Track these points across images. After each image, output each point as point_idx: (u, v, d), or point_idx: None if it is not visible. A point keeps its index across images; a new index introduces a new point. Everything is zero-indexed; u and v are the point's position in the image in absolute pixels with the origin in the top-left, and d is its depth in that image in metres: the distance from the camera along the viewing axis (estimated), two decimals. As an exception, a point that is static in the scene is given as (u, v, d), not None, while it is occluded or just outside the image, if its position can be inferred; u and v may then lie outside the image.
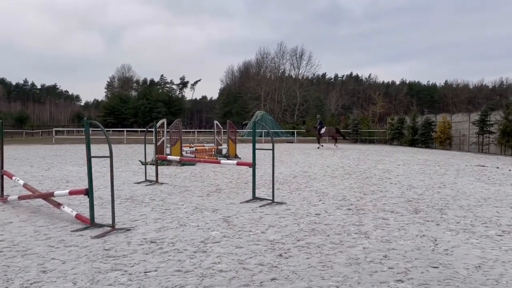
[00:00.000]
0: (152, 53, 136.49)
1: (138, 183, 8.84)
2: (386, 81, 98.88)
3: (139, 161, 13.92)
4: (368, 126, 35.55)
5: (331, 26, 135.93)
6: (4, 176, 6.91)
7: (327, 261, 3.81)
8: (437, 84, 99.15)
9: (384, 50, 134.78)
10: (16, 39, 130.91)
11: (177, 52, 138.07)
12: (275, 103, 63.89)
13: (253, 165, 6.76)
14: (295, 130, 38.00)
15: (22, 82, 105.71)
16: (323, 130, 25.05)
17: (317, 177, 10.14)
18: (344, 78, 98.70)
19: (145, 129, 11.10)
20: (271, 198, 6.73)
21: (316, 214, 5.80)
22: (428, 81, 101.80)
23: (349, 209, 6.21)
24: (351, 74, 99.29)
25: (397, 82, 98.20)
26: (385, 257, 3.95)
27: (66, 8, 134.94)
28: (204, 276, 3.39)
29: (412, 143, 27.98)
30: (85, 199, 6.53)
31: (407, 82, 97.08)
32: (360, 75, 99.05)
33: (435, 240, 4.56)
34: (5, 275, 3.38)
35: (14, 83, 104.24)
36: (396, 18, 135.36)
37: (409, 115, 30.83)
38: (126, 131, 34.40)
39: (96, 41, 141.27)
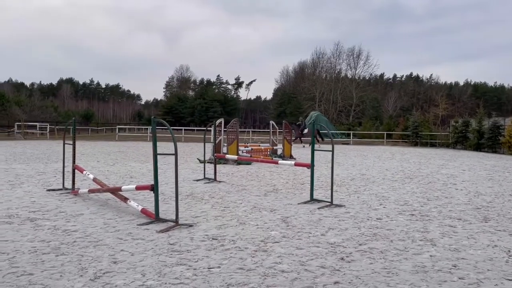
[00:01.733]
0: (208, 53, 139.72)
1: (197, 180, 9.08)
2: (449, 82, 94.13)
3: (197, 159, 14.29)
4: (429, 129, 34.02)
5: (391, 25, 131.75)
6: (75, 170, 7.38)
7: (392, 267, 3.69)
8: (506, 85, 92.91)
9: (447, 49, 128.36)
10: (84, 41, 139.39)
11: (233, 52, 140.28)
12: (330, 104, 63.01)
13: (311, 166, 6.70)
14: (351, 132, 37.21)
15: (88, 81, 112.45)
16: (305, 131, 25.58)
17: (376, 180, 9.85)
18: (403, 79, 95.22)
19: (202, 128, 11.36)
20: (329, 200, 6.63)
21: (377, 219, 5.63)
22: (495, 82, 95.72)
23: (412, 214, 5.97)
24: (411, 74, 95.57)
25: (461, 83, 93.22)
26: (454, 266, 3.75)
27: (129, 10, 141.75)
28: (266, 275, 3.41)
29: (478, 148, 26.40)
30: (148, 194, 6.82)
31: (472, 83, 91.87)
32: (420, 75, 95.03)
33: (509, 251, 4.27)
34: (80, 263, 3.60)
35: (81, 83, 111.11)
36: (462, 15, 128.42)
37: (474, 117, 29.12)
38: (184, 129, 35.46)
39: (156, 42, 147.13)
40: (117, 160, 13.99)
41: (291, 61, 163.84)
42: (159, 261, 3.69)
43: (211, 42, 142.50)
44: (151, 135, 33.31)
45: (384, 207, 6.46)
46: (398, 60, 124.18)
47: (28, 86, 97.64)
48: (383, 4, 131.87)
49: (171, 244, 4.21)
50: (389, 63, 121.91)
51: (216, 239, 4.43)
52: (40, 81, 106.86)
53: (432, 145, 31.67)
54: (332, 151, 6.68)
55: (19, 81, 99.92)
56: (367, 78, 70.11)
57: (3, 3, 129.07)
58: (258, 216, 5.64)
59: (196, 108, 78.57)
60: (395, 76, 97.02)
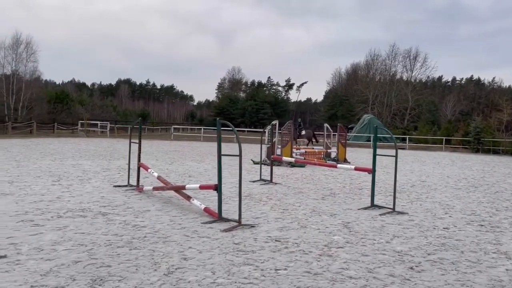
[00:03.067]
0: (260, 55, 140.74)
1: (253, 181, 9.17)
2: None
3: (251, 160, 14.43)
4: (492, 135, 32.13)
5: (451, 26, 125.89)
6: (140, 168, 7.71)
7: (466, 279, 3.53)
8: None
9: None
10: (141, 43, 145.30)
11: (284, 54, 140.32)
12: (384, 107, 61.26)
13: (373, 171, 6.56)
14: (406, 136, 35.95)
15: (144, 82, 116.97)
16: (303, 132, 24.75)
17: (438, 187, 9.46)
18: (463, 82, 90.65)
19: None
20: (390, 206, 6.45)
21: (444, 228, 5.41)
22: None
23: (481, 225, 5.68)
24: (471, 77, 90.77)
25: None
26: (535, 283, 3.52)
27: (184, 13, 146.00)
28: (334, 280, 3.38)
29: (547, 156, 24.57)
30: (208, 194, 6.98)
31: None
32: (482, 78, 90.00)
33: None
34: (152, 258, 3.76)
35: (138, 83, 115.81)
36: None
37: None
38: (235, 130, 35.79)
39: (209, 44, 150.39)
40: (174, 159, 14.45)
41: (344, 63, 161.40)
42: (227, 260, 3.77)
43: (263, 43, 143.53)
44: (204, 135, 34.12)
45: (450, 216, 6.19)
46: (458, 62, 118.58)
47: (89, 86, 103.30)
48: (443, 4, 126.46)
49: (236, 244, 4.29)
50: (448, 65, 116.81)
51: (279, 241, 4.46)
52: (100, 82, 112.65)
53: (495, 152, 29.90)
54: (396, 156, 6.50)
55: (81, 81, 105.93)
56: (423, 81, 67.44)
57: (67, 5, 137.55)
58: (318, 220, 5.60)
59: (246, 109, 79.39)
60: (454, 79, 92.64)
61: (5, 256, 3.62)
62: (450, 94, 71.40)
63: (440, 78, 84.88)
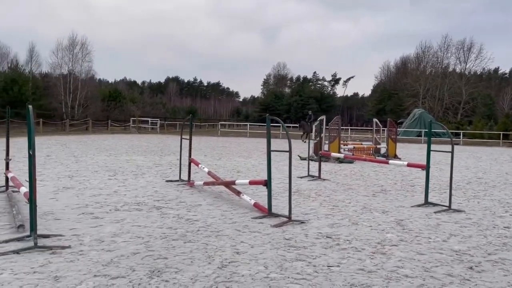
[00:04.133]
0: (305, 50, 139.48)
1: (301, 177, 9.13)
2: None
3: (298, 156, 14.37)
4: (555, 129, 29.96)
5: (508, 14, 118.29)
6: (191, 164, 7.91)
7: (532, 283, 3.33)
8: None
9: None
10: (189, 41, 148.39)
11: (330, 48, 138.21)
12: (436, 101, 58.78)
13: (427, 167, 6.34)
14: (460, 131, 34.33)
15: (192, 79, 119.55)
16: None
17: (496, 184, 8.98)
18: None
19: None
20: (446, 204, 6.20)
21: (505, 227, 5.13)
22: None
23: (547, 225, 5.32)
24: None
25: None
26: None
27: (231, 10, 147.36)
28: (389, 278, 3.31)
29: None
30: (257, 189, 7.04)
31: None
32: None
33: None
34: (206, 251, 3.86)
35: (185, 81, 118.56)
36: None
37: None
38: (281, 126, 35.83)
39: (255, 40, 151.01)
40: (222, 154, 14.68)
41: (392, 56, 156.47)
42: (279, 255, 3.79)
43: (308, 38, 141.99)
44: (250, 131, 34.38)
45: (511, 215, 5.86)
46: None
47: (140, 84, 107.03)
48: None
49: (286, 239, 4.30)
50: (505, 56, 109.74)
51: (331, 238, 4.43)
52: (150, 80, 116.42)
53: (560, 147, 27.86)
54: (452, 152, 6.24)
55: (132, 80, 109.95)
56: (478, 73, 63.93)
57: (119, 5, 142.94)
58: (370, 217, 5.50)
59: (292, 105, 79.03)
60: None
61: (69, 247, 3.85)
62: (508, 87, 67.21)
63: (496, 70, 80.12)
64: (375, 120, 16.90)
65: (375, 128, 16.45)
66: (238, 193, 6.06)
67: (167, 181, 8.06)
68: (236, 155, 14.71)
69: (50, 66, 42.95)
